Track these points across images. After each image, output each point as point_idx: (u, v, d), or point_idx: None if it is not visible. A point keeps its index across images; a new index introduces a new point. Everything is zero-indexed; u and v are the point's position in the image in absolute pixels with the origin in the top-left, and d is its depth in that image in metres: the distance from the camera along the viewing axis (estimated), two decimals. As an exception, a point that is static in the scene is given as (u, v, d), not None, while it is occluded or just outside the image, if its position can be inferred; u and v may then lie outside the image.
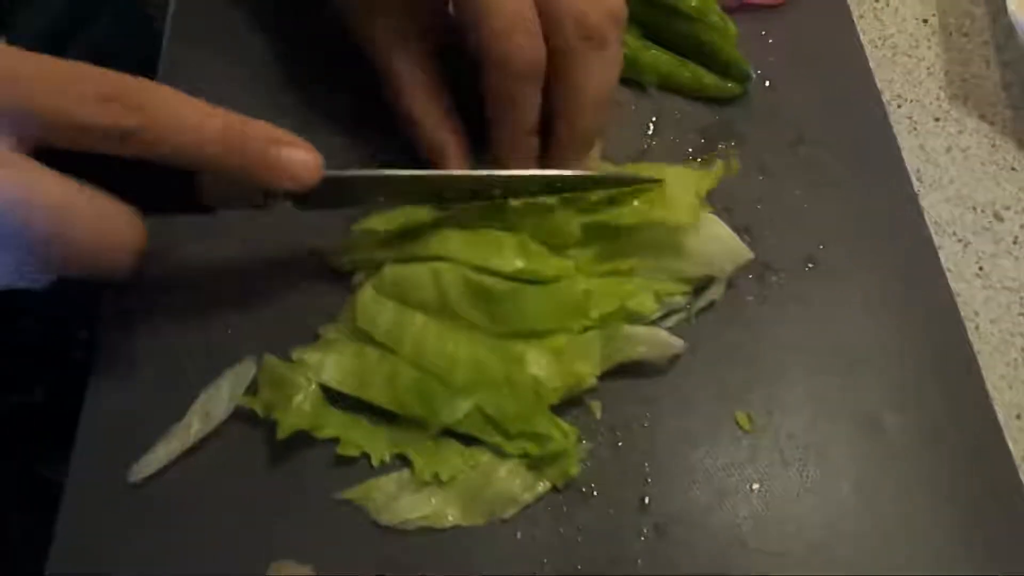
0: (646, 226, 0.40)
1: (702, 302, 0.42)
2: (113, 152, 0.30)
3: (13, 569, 0.54)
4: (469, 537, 0.37)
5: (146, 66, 0.46)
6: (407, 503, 0.37)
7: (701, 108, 0.49)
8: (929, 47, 0.55)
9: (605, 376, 0.39)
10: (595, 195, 0.40)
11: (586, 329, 0.40)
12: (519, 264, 0.39)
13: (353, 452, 0.38)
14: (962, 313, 0.44)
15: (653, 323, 0.41)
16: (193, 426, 0.37)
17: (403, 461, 0.38)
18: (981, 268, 0.47)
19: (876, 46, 0.55)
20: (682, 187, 0.41)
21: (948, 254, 0.47)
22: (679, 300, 0.42)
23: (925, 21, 0.57)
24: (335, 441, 0.38)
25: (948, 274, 0.45)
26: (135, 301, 0.41)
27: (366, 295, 0.40)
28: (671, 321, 0.41)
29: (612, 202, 0.40)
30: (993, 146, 0.52)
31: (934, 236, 0.46)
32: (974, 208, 0.49)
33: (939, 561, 0.38)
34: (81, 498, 0.37)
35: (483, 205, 0.40)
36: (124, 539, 0.36)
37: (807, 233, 0.45)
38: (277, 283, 0.42)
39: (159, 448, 0.37)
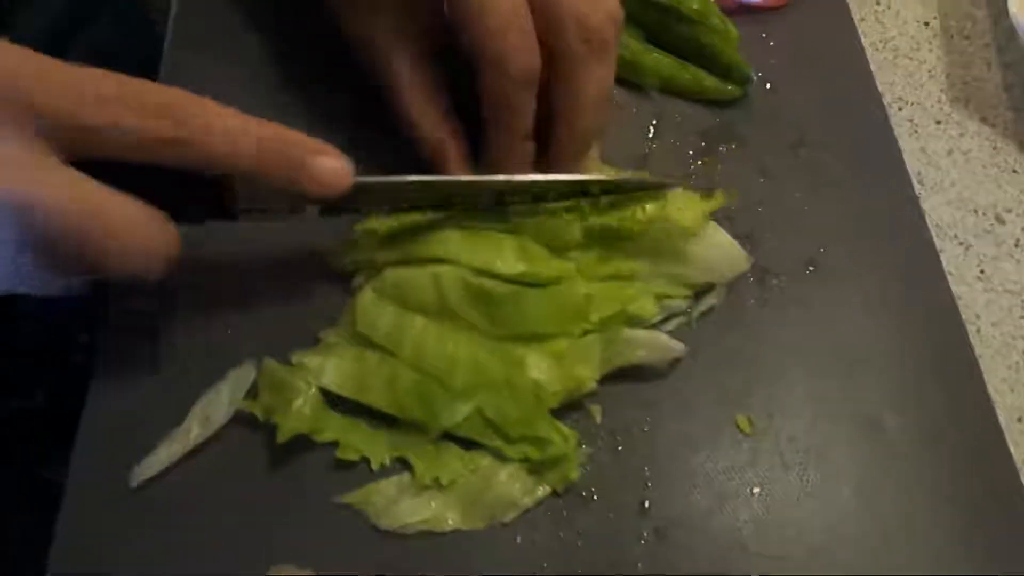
0: (649, 232, 0.40)
1: (702, 307, 0.42)
2: (154, 161, 0.31)
3: (13, 569, 0.54)
4: (469, 541, 0.37)
5: (147, 66, 0.46)
6: (407, 507, 0.37)
7: (702, 111, 0.48)
8: (930, 49, 0.55)
9: (605, 380, 0.39)
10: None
11: (586, 332, 0.40)
12: (520, 267, 0.39)
13: (353, 456, 0.38)
14: (963, 316, 0.44)
15: (653, 327, 0.41)
16: (193, 430, 0.37)
17: (403, 465, 0.38)
18: (982, 271, 0.47)
19: (877, 48, 0.55)
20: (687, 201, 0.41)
21: (949, 257, 0.47)
22: (679, 304, 0.42)
23: (926, 24, 0.57)
24: (335, 445, 0.38)
25: (949, 277, 0.45)
26: (135, 304, 0.40)
27: (366, 298, 0.40)
28: (671, 325, 0.42)
29: (614, 206, 0.40)
30: (994, 148, 0.52)
31: (935, 239, 0.46)
32: (975, 211, 0.49)
33: (939, 563, 0.38)
34: (81, 500, 0.37)
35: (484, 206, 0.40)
36: (124, 542, 0.36)
37: (808, 236, 0.45)
38: (277, 286, 0.41)
39: (159, 451, 0.37)
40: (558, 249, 0.41)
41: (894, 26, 0.56)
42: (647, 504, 0.38)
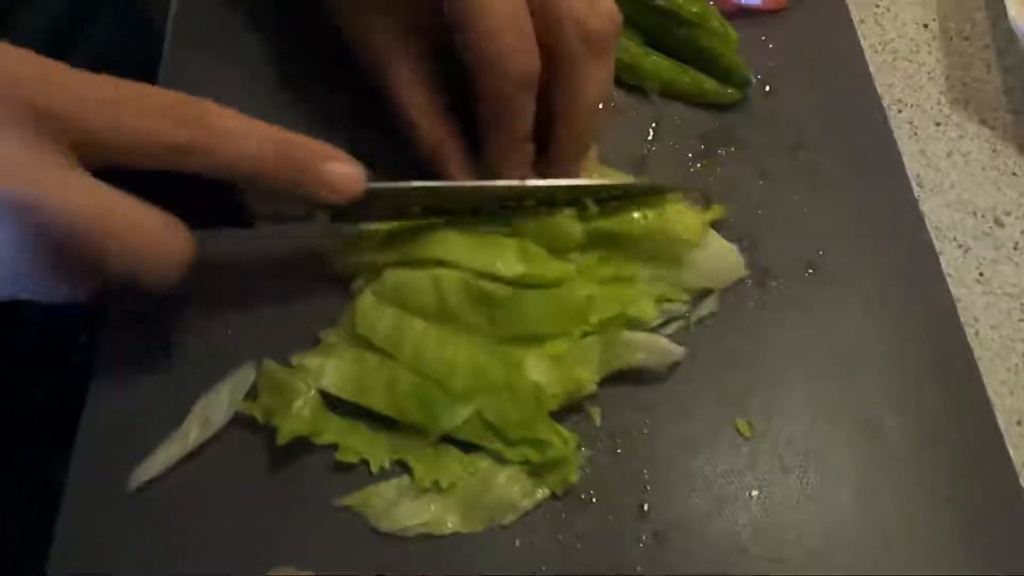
0: (649, 237, 0.40)
1: (700, 311, 0.42)
2: (172, 168, 0.31)
3: (13, 569, 0.54)
4: (468, 544, 0.37)
5: (147, 66, 0.46)
6: (406, 509, 0.37)
7: (701, 114, 0.48)
8: (930, 52, 0.55)
9: (605, 383, 0.39)
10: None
11: (586, 335, 0.40)
12: (520, 269, 0.39)
13: (352, 458, 0.38)
14: (962, 319, 0.44)
15: (653, 330, 0.41)
16: (192, 432, 0.37)
17: (402, 467, 0.38)
18: (982, 274, 0.47)
19: (876, 51, 0.55)
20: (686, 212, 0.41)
21: (949, 259, 0.47)
22: (679, 308, 0.42)
23: (925, 26, 0.57)
24: (334, 447, 0.38)
25: (948, 279, 0.45)
26: (135, 305, 0.40)
27: (366, 300, 0.39)
28: (671, 328, 0.42)
29: (614, 209, 0.40)
30: (994, 151, 0.52)
31: (934, 241, 0.46)
32: (975, 213, 0.49)
33: (939, 565, 0.38)
34: (81, 501, 0.37)
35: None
36: (124, 543, 0.36)
37: (807, 238, 0.45)
38: (277, 287, 0.41)
39: (159, 453, 0.37)
40: (558, 251, 0.41)
41: (893, 28, 0.56)
42: (646, 507, 0.38)
